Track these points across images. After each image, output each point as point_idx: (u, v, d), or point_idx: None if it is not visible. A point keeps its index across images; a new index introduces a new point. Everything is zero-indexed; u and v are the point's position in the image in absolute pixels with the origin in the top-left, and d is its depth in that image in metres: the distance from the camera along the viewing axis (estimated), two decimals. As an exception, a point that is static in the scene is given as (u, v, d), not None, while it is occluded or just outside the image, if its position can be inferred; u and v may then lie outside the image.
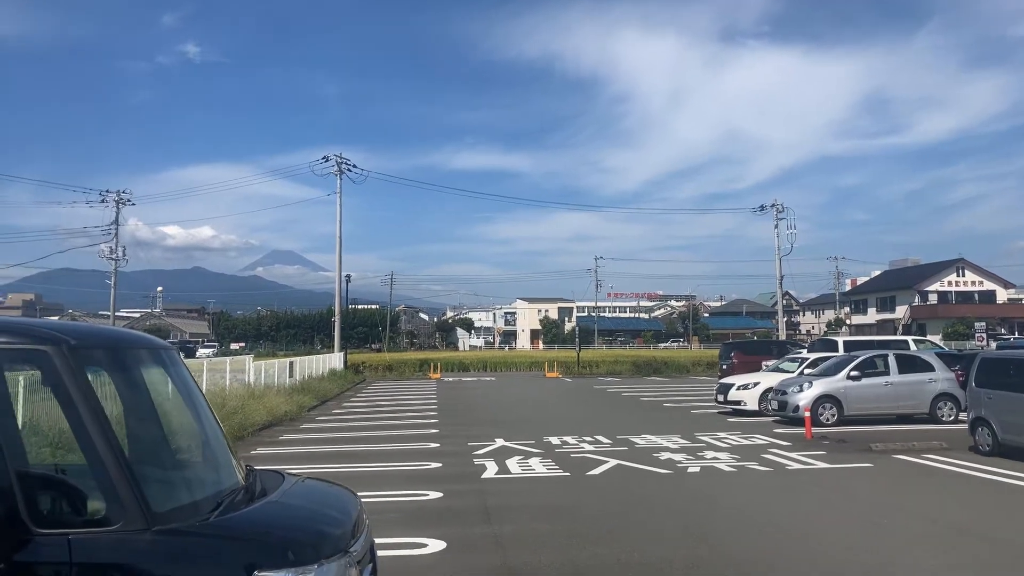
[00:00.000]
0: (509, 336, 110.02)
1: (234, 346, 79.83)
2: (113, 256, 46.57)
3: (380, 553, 6.91)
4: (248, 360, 22.22)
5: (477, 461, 12.07)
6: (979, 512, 8.42)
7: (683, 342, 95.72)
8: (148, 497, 2.69)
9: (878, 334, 63.25)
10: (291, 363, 27.44)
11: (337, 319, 41.83)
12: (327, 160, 42.24)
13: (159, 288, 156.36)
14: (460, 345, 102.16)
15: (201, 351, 63.21)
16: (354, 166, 42.70)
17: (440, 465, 11.87)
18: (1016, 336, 58.63)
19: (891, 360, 17.29)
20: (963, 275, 78.09)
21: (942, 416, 16.86)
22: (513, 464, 11.75)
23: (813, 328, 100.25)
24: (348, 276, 39.49)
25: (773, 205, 46.41)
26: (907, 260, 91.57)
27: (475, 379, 39.64)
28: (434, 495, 9.38)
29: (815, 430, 15.29)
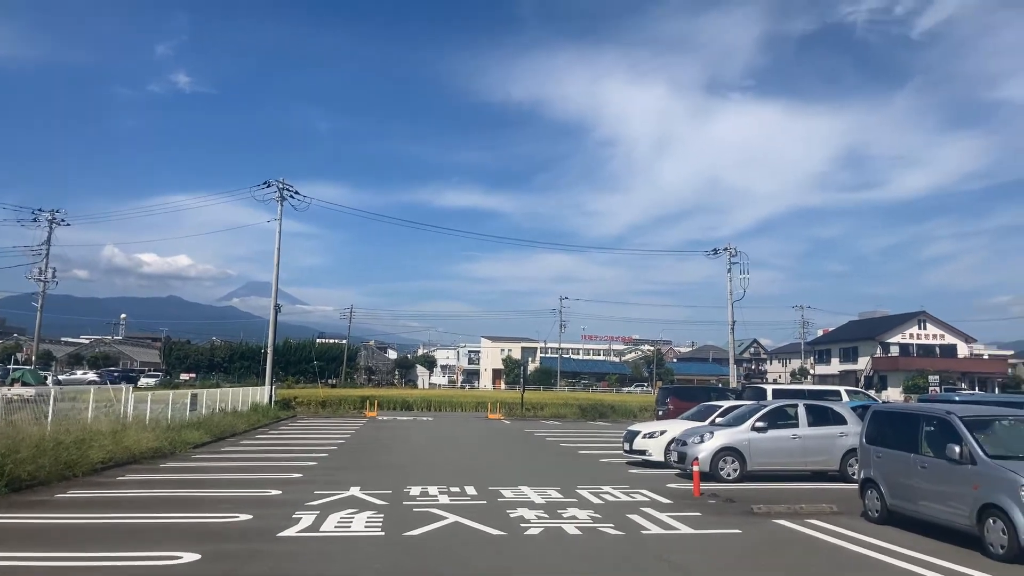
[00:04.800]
0: (472, 375, 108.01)
1: (184, 376, 77.22)
2: (42, 278, 44.63)
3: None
4: (126, 390, 20.52)
5: (297, 514, 10.51)
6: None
7: (646, 387, 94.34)
8: None
9: (840, 385, 62.30)
10: (193, 395, 25.71)
11: (269, 351, 39.96)
12: (268, 186, 40.87)
13: (122, 315, 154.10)
14: (420, 383, 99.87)
15: (143, 380, 61.03)
16: (296, 192, 41.36)
17: (250, 517, 10.30)
18: (975, 391, 57.88)
19: (801, 411, 15.94)
20: (925, 328, 77.79)
21: (852, 474, 15.45)
22: (332, 520, 10.20)
23: (779, 377, 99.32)
24: (279, 306, 37.91)
25: (726, 249, 45.54)
26: (876, 312, 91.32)
27: (411, 419, 37.91)
28: (189, 558, 7.82)
29: (712, 486, 13.97)
